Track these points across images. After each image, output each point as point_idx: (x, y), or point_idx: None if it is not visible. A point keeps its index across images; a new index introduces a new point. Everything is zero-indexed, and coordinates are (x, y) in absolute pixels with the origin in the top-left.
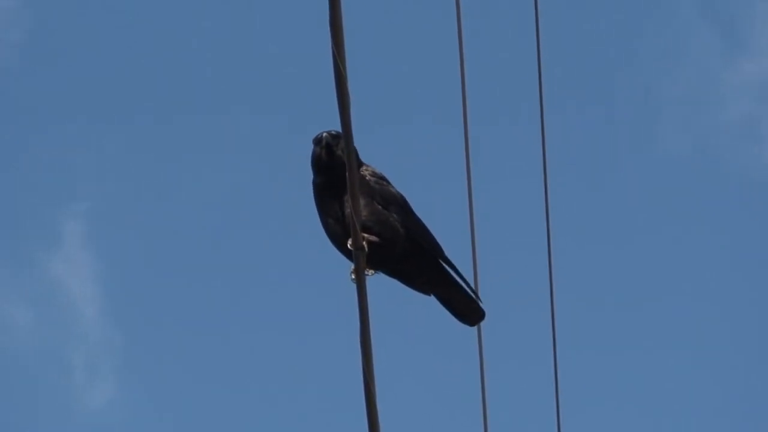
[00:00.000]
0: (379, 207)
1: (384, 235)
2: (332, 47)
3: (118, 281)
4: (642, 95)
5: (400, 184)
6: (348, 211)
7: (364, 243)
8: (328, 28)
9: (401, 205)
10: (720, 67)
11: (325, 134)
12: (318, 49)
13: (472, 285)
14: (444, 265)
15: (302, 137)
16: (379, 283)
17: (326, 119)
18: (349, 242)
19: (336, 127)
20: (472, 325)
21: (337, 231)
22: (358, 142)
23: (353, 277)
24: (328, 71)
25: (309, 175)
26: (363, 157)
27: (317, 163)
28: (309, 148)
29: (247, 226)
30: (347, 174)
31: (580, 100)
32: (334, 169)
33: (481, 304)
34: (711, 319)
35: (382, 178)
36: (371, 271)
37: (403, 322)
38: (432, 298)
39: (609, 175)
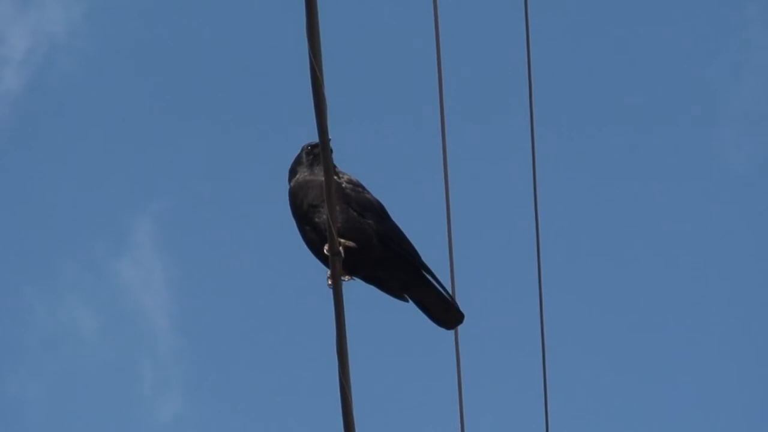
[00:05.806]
0: (355, 214)
1: (358, 241)
2: (309, 52)
3: (189, 289)
4: (703, 109)
5: (379, 188)
6: (324, 217)
7: (341, 248)
8: (305, 33)
9: (377, 212)
10: None
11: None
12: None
13: (449, 289)
14: (422, 270)
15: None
16: (355, 288)
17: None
18: (326, 247)
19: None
20: (449, 328)
21: (314, 238)
22: (336, 144)
23: (330, 282)
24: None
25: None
26: (339, 159)
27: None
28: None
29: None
30: (324, 180)
31: (639, 113)
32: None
33: (459, 308)
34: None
35: (359, 185)
36: (347, 277)
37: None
38: (409, 305)
39: (670, 188)
